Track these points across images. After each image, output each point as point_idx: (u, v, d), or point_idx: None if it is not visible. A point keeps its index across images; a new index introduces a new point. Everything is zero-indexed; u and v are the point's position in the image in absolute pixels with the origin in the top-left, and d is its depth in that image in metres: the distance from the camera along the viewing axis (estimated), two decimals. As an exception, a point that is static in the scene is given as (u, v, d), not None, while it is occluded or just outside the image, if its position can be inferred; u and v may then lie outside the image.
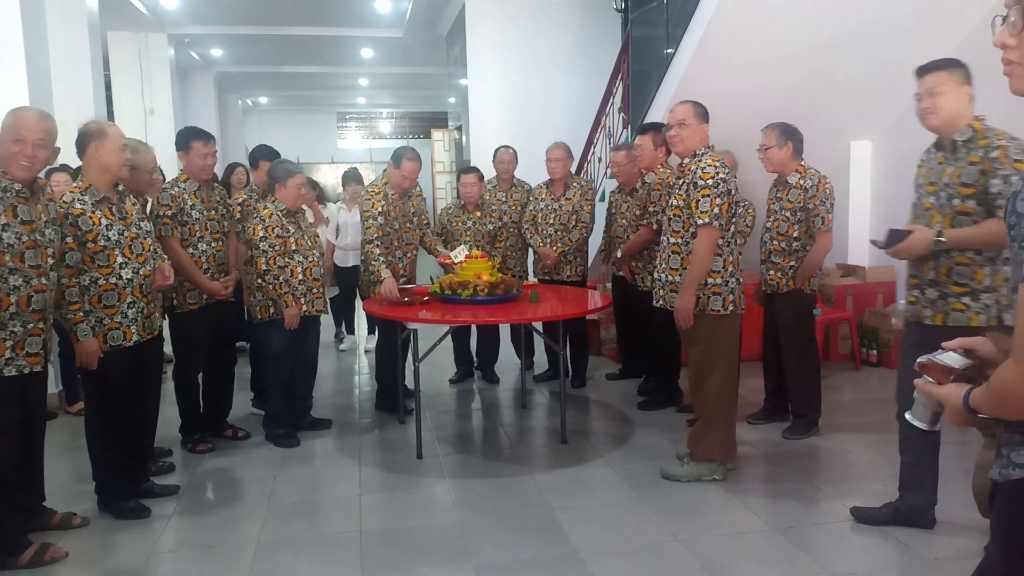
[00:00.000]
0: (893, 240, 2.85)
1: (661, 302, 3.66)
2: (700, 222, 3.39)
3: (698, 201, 3.40)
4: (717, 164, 3.43)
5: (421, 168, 4.75)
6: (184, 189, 4.01)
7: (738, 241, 3.59)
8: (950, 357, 1.45)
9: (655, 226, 4.65)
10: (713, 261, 3.44)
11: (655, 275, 3.74)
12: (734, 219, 3.51)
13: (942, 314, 2.80)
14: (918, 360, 1.49)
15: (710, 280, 3.46)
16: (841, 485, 3.57)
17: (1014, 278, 1.28)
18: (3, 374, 2.82)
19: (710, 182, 3.38)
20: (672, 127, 3.55)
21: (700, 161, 3.47)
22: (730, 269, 3.50)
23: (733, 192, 3.47)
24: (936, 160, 2.85)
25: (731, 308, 3.50)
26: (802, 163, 4.10)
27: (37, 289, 2.89)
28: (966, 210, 2.72)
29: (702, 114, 3.55)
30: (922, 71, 2.81)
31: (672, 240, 3.58)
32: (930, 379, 1.46)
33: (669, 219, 3.60)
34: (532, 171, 5.68)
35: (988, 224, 2.66)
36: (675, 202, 3.56)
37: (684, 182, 3.51)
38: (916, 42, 4.49)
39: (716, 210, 3.37)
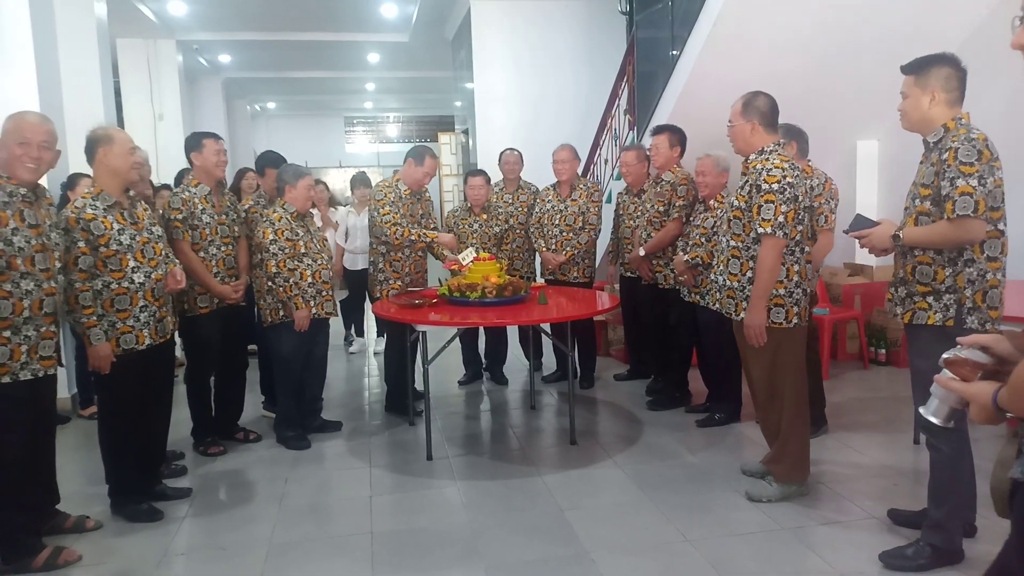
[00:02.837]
0: (855, 226, 2.88)
1: (717, 306, 3.47)
2: (762, 230, 3.12)
3: (760, 207, 3.13)
4: (785, 166, 3.15)
5: None
6: (195, 193, 4.04)
7: (805, 248, 3.28)
8: (974, 353, 1.42)
9: (683, 219, 4.64)
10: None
11: (712, 277, 3.53)
12: (800, 225, 3.20)
13: (910, 312, 2.80)
14: (943, 356, 1.46)
15: (772, 290, 3.20)
16: (851, 484, 3.56)
17: None
18: (19, 378, 2.85)
19: (775, 187, 3.11)
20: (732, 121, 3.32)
21: (767, 160, 3.19)
22: (795, 279, 3.22)
23: (800, 198, 3.17)
24: (920, 159, 2.87)
25: (795, 321, 3.24)
26: (808, 163, 4.09)
27: (48, 292, 2.93)
28: (925, 211, 2.72)
29: (754, 109, 3.28)
30: (901, 69, 2.81)
31: (732, 243, 3.32)
32: (953, 375, 1.43)
33: (729, 220, 3.35)
34: (539, 173, 5.70)
35: (937, 225, 2.66)
36: (736, 202, 3.29)
37: (747, 181, 3.25)
38: (923, 39, 4.48)
39: (781, 218, 3.10)
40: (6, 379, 2.81)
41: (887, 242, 2.80)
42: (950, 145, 2.63)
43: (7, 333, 2.80)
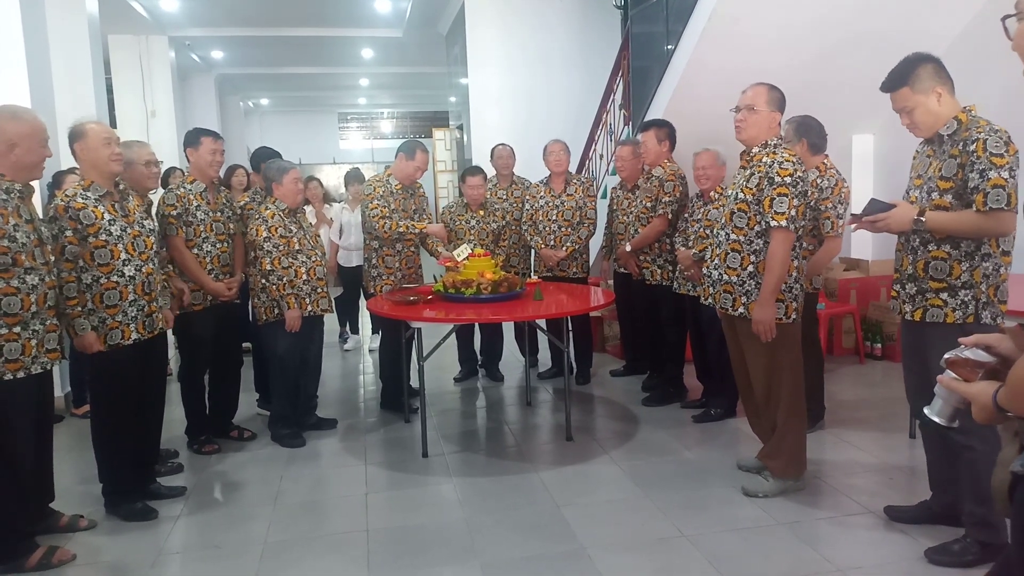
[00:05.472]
0: (871, 210, 2.80)
1: (710, 301, 3.40)
2: (775, 224, 3.10)
3: (773, 200, 3.10)
4: (795, 160, 3.15)
5: None
6: (190, 190, 4.02)
7: (804, 244, 3.29)
8: (976, 353, 1.42)
9: (670, 216, 4.64)
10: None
11: (705, 271, 3.48)
12: (803, 221, 3.20)
13: (921, 310, 2.75)
14: (945, 356, 1.46)
15: None
16: (847, 479, 3.57)
17: None
18: (31, 372, 2.86)
19: (788, 180, 3.09)
20: (740, 110, 3.23)
21: (775, 154, 3.16)
22: (794, 274, 3.21)
23: (809, 193, 3.22)
24: (926, 153, 2.83)
25: (794, 316, 3.23)
26: (824, 160, 3.95)
27: (50, 286, 2.95)
28: (943, 204, 2.65)
29: (776, 100, 3.22)
30: (884, 89, 2.76)
31: (732, 236, 3.25)
32: (955, 375, 1.43)
33: (731, 213, 3.26)
34: (534, 169, 5.69)
35: (966, 214, 2.59)
36: (742, 195, 3.21)
37: (753, 174, 3.18)
38: (917, 33, 4.48)
39: (793, 212, 3.08)
40: (20, 374, 2.82)
41: (907, 225, 2.72)
42: (976, 136, 2.57)
43: (17, 329, 2.81)
